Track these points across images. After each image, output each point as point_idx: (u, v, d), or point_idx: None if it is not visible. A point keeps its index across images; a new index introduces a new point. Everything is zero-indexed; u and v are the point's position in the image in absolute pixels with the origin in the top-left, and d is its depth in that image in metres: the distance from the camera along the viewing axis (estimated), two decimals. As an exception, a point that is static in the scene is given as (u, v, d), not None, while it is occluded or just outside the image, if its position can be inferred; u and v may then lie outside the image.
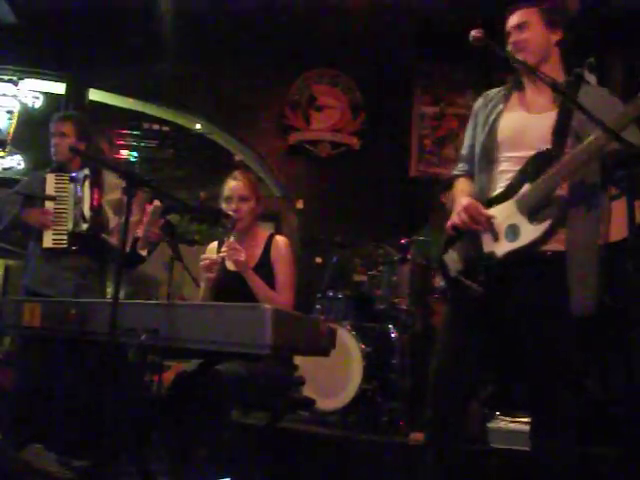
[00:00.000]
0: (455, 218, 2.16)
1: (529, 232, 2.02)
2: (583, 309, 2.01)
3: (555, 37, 2.18)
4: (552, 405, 2.04)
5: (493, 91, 2.33)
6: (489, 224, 2.10)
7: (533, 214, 2.02)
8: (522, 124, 2.16)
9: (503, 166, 2.17)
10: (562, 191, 2.05)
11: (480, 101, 2.35)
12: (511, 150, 2.15)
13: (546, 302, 2.04)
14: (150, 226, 3.21)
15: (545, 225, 2.01)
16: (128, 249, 3.20)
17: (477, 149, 2.27)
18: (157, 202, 3.35)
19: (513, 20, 2.19)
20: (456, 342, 2.19)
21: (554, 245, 2.05)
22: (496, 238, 2.08)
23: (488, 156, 2.21)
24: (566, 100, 2.02)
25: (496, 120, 2.21)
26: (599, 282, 2.05)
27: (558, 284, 2.02)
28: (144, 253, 3.26)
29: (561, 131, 2.06)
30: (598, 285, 2.04)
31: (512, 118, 2.19)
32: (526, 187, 2.06)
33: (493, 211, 2.12)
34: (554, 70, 2.16)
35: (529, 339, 2.08)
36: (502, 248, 2.08)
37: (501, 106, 2.23)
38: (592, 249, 2.05)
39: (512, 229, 2.05)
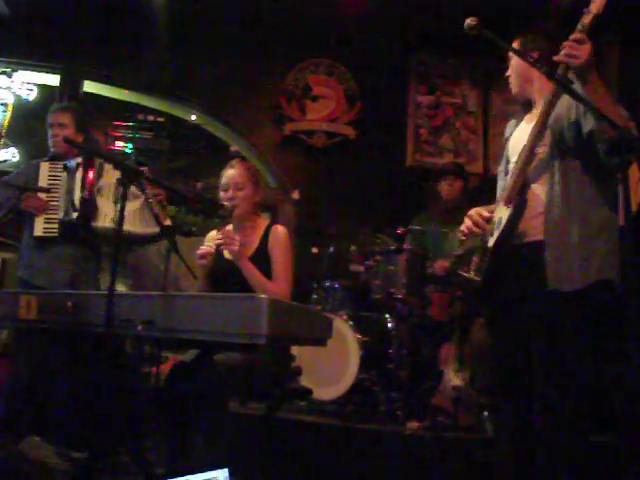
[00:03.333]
0: (462, 226, 2.41)
1: (505, 217, 2.26)
2: (560, 283, 2.17)
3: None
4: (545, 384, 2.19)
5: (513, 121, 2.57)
6: (489, 222, 2.33)
7: (509, 203, 2.26)
8: (521, 134, 2.39)
9: (510, 173, 2.39)
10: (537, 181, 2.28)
11: (506, 130, 2.58)
12: (513, 157, 2.40)
13: (526, 279, 2.26)
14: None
15: (511, 207, 2.24)
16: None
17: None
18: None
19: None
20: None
21: (537, 236, 2.25)
22: (492, 233, 2.32)
23: (506, 170, 2.47)
24: (559, 86, 2.13)
25: (508, 139, 2.51)
26: (592, 262, 2.19)
27: (537, 264, 2.21)
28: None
29: (538, 130, 2.25)
30: (582, 264, 2.18)
31: (517, 133, 2.46)
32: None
33: (495, 212, 2.35)
34: (540, 87, 2.36)
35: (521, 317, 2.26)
36: (493, 239, 2.30)
37: (515, 127, 2.50)
38: (573, 233, 2.19)
39: (499, 221, 2.29)
